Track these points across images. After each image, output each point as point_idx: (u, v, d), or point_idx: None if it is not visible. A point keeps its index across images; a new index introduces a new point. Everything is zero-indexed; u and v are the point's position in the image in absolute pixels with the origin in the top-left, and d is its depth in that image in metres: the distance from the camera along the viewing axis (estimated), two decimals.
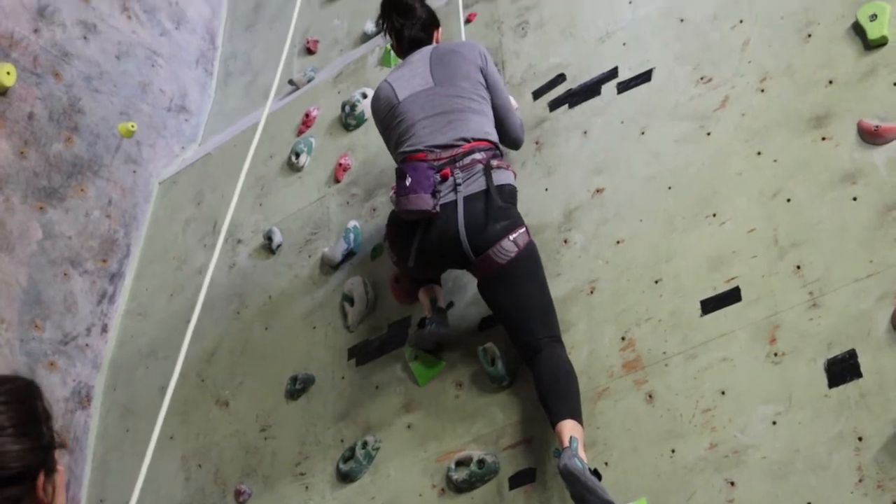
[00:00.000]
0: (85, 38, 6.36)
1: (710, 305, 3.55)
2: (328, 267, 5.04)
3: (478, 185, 3.93)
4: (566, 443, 3.37)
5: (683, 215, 3.82)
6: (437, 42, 4.46)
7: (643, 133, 4.15)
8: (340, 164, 5.36)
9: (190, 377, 5.36)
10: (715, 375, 3.41)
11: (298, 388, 4.74)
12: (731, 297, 3.51)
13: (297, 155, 5.66)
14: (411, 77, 4.23)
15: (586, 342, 3.83)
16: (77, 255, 5.84)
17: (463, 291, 4.32)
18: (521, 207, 4.11)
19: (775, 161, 3.65)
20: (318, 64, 6.34)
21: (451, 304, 4.34)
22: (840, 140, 3.52)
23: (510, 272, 3.85)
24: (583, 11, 4.73)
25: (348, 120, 5.47)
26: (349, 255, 4.98)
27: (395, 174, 4.02)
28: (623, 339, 3.73)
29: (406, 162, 4.01)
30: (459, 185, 3.93)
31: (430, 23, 4.45)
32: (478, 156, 3.98)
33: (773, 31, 3.94)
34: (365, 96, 5.42)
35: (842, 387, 3.11)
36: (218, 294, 5.56)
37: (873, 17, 3.61)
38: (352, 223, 5.05)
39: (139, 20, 6.85)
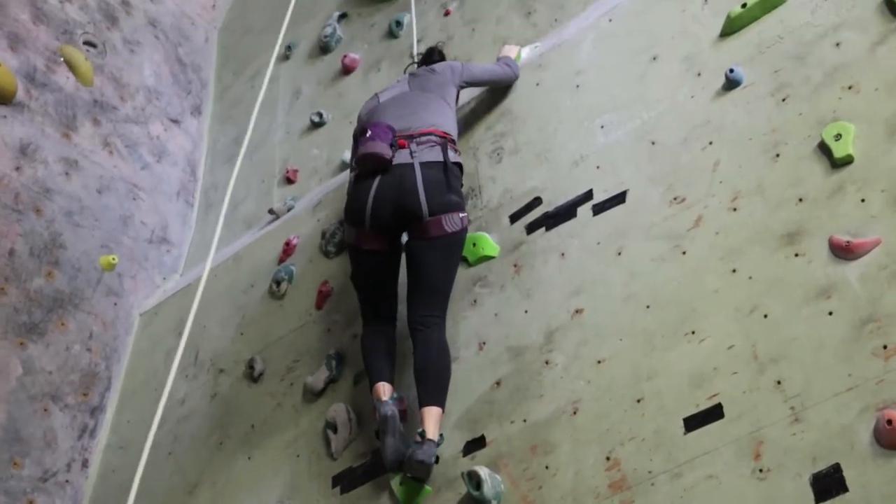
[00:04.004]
0: (66, 173, 6.44)
1: (694, 423, 3.55)
2: (311, 394, 5.02)
3: (434, 155, 4.54)
4: (431, 435, 4.05)
5: (663, 334, 3.85)
6: None
7: (620, 253, 4.21)
8: (321, 292, 5.39)
9: None
10: (701, 493, 3.40)
11: None
12: (714, 414, 3.51)
13: (278, 283, 5.69)
14: (394, 87, 5.07)
15: (571, 463, 3.82)
16: (57, 389, 5.80)
17: (447, 415, 4.31)
18: (501, 329, 4.37)
19: (750, 278, 3.71)
20: (297, 193, 6.43)
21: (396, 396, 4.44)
22: (813, 256, 3.58)
23: (445, 244, 4.44)
24: (556, 136, 4.84)
25: (328, 247, 5.53)
26: (331, 382, 4.97)
27: (359, 135, 4.64)
28: (608, 458, 3.72)
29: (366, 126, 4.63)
30: (415, 153, 4.53)
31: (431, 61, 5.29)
32: (433, 137, 4.61)
33: (743, 152, 4.03)
34: (342, 223, 5.48)
35: (829, 502, 3.10)
36: (200, 425, 5.53)
37: (838, 137, 3.72)
38: (333, 350, 5.05)
39: (120, 155, 6.94)
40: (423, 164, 4.51)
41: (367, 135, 4.54)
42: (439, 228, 4.44)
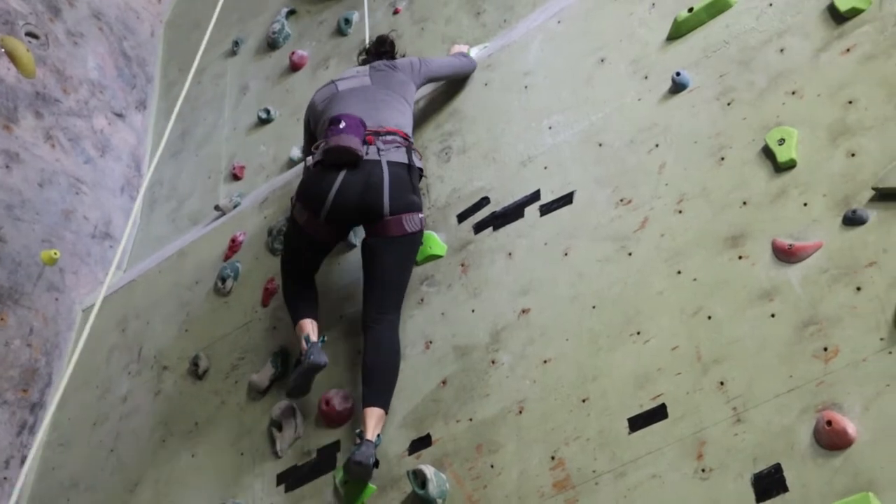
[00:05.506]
0: (7, 166, 6.34)
1: (638, 423, 3.59)
2: (255, 392, 5.00)
3: (399, 156, 4.57)
4: (370, 436, 4.08)
5: (608, 334, 3.88)
6: None
7: (566, 254, 4.24)
8: (267, 289, 5.36)
9: None
10: (645, 493, 3.44)
11: None
12: (658, 414, 3.56)
13: (224, 280, 5.66)
14: (352, 77, 5.00)
15: (516, 462, 3.84)
16: None
17: (393, 413, 4.31)
18: (448, 328, 4.42)
19: (695, 280, 3.75)
20: (244, 189, 6.39)
21: (324, 339, 4.58)
22: (756, 259, 3.63)
23: (401, 243, 4.48)
24: (504, 136, 4.86)
25: (275, 244, 5.50)
26: (276, 379, 4.95)
27: (326, 125, 4.62)
28: (553, 458, 3.75)
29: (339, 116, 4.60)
30: (382, 150, 4.54)
31: (385, 52, 5.30)
32: (398, 138, 4.63)
33: (688, 155, 4.08)
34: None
35: (769, 501, 3.15)
36: (142, 422, 5.48)
37: (781, 142, 3.78)
38: (278, 347, 5.03)
39: (63, 148, 6.85)
40: (389, 163, 4.53)
41: (341, 126, 4.52)
42: (399, 227, 4.47)
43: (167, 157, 7.40)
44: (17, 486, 3.83)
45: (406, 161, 4.59)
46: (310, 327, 4.59)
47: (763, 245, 3.64)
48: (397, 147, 4.61)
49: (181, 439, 5.22)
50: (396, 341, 4.42)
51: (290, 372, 4.78)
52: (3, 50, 6.66)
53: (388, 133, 4.64)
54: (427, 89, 5.38)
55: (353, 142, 4.47)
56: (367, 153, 4.52)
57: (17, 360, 5.90)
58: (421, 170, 4.73)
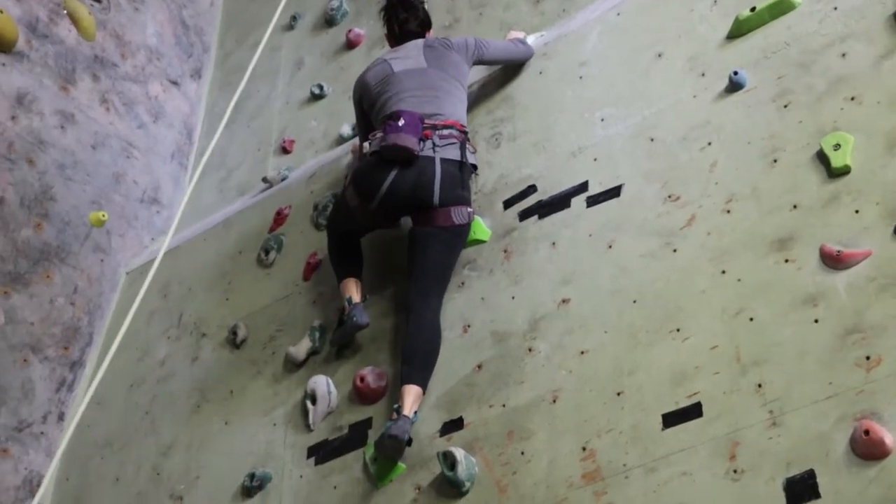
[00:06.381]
0: (62, 127, 6.41)
1: (672, 420, 3.57)
2: (292, 364, 5.03)
3: (453, 153, 4.59)
4: (407, 412, 4.12)
5: (647, 329, 3.86)
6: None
7: (610, 247, 4.22)
8: (309, 263, 5.39)
9: (145, 470, 5.30)
10: (674, 490, 3.42)
11: (255, 485, 4.69)
12: (693, 412, 3.53)
13: (267, 252, 5.69)
14: (406, 58, 4.94)
15: (547, 451, 3.84)
16: (38, 341, 5.79)
17: (427, 394, 4.32)
18: (487, 314, 4.43)
19: (739, 280, 3.72)
20: (292, 163, 6.42)
21: (366, 299, 4.78)
22: (802, 263, 3.60)
23: (449, 234, 4.53)
24: (556, 126, 4.84)
25: (319, 220, 5.52)
26: (313, 353, 4.98)
27: (385, 119, 4.64)
28: (584, 449, 3.74)
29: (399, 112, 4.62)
30: (437, 146, 4.57)
31: (426, 23, 5.21)
32: (455, 132, 4.65)
33: (740, 155, 4.05)
34: (336, 196, 5.48)
35: None
36: (179, 387, 5.53)
37: (837, 147, 3.73)
38: (317, 322, 5.06)
39: (117, 112, 6.91)
40: (443, 160, 4.57)
41: (400, 123, 4.55)
42: (447, 219, 4.53)
43: (218, 126, 7.44)
44: (61, 446, 3.89)
45: (459, 158, 4.62)
46: (354, 287, 4.75)
47: (811, 250, 3.60)
48: (452, 143, 4.63)
49: (215, 406, 5.26)
50: (438, 326, 4.45)
51: (331, 335, 4.89)
52: (65, 11, 6.73)
53: (446, 127, 4.66)
54: (480, 74, 5.37)
55: (409, 142, 4.52)
56: (422, 149, 4.56)
57: (59, 318, 5.98)
58: (474, 166, 4.76)
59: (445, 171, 4.55)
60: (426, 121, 4.64)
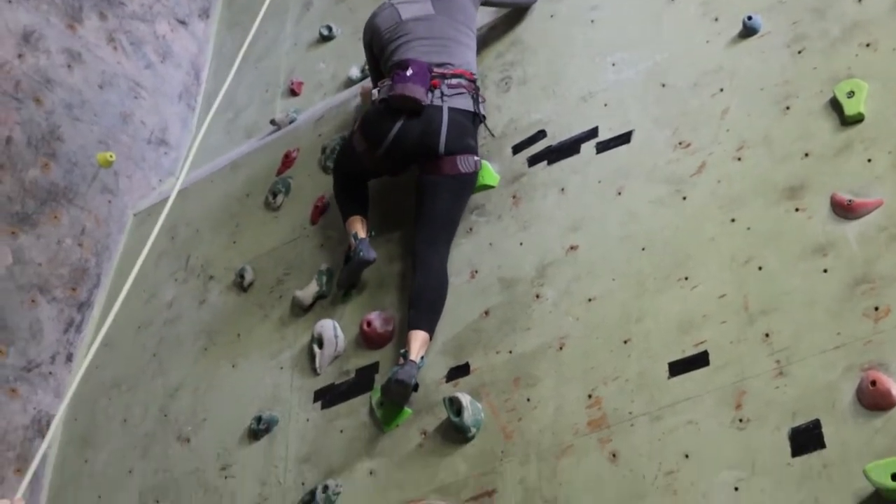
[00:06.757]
0: (69, 66, 6.36)
1: (678, 368, 3.57)
2: (299, 308, 5.03)
3: (463, 103, 4.59)
4: (413, 357, 4.13)
5: (655, 277, 3.85)
6: None
7: (620, 193, 4.19)
8: (317, 206, 5.37)
9: (152, 411, 5.33)
10: (680, 438, 3.42)
11: (262, 428, 4.71)
12: (699, 360, 3.53)
13: (275, 195, 5.67)
14: (413, 3, 4.88)
15: (553, 398, 3.84)
16: (46, 281, 5.80)
17: (433, 339, 4.32)
18: (495, 259, 4.40)
19: (749, 229, 3.69)
20: (300, 106, 6.37)
21: (372, 234, 4.77)
22: (813, 212, 3.56)
23: (455, 182, 4.51)
24: (566, 70, 4.79)
25: (327, 163, 5.49)
26: (320, 297, 4.98)
27: (393, 67, 4.65)
28: (590, 396, 3.74)
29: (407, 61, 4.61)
30: (446, 95, 4.56)
31: None
32: (464, 81, 4.63)
33: (753, 102, 4.00)
34: (344, 139, 5.44)
35: (805, 456, 3.13)
36: (186, 330, 5.55)
37: (850, 94, 3.68)
38: (324, 266, 5.05)
39: (125, 51, 6.86)
40: (451, 109, 4.56)
41: (408, 73, 4.54)
42: (453, 167, 4.50)
43: (226, 67, 7.38)
44: (72, 388, 3.90)
45: (468, 108, 4.61)
46: (359, 224, 4.77)
47: (822, 199, 3.57)
48: (461, 93, 4.61)
49: (222, 349, 5.28)
50: (445, 273, 4.45)
51: (338, 275, 4.88)
52: None
53: (455, 76, 4.64)
54: (489, 16, 5.30)
55: (417, 92, 4.50)
56: (430, 99, 4.54)
57: (67, 259, 5.98)
58: (484, 116, 4.72)
59: (452, 119, 4.53)
60: (435, 69, 4.61)
